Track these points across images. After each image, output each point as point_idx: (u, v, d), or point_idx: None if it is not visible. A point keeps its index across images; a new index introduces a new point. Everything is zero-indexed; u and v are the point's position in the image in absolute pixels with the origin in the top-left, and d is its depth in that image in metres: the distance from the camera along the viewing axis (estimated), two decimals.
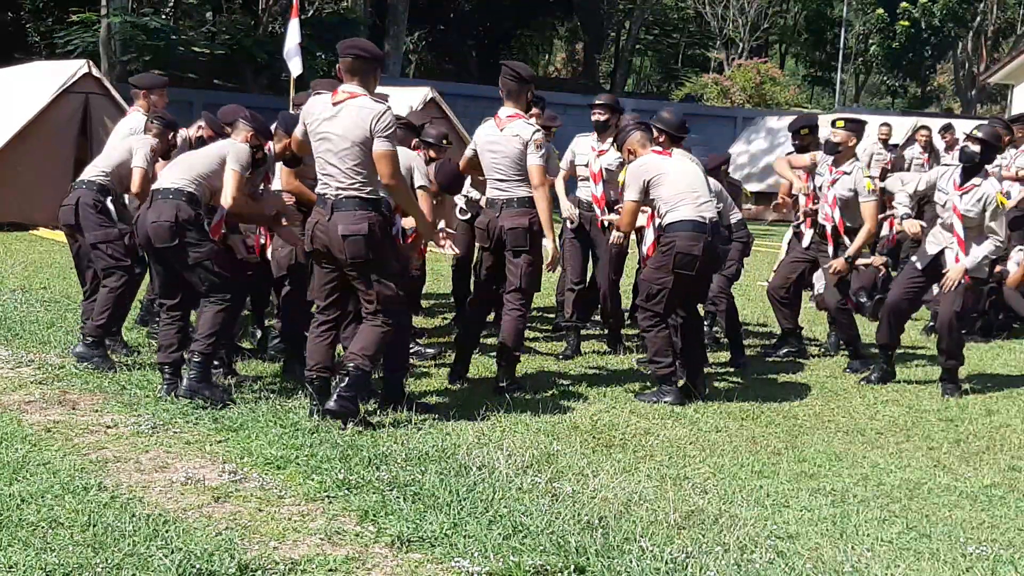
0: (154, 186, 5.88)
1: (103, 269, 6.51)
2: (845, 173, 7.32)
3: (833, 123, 7.52)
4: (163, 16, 22.80)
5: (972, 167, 6.78)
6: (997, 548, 4.01)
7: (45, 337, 7.05)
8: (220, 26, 24.28)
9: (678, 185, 6.24)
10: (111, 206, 6.62)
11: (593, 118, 7.60)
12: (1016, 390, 7.00)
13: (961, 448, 5.53)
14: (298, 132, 5.45)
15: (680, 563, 3.64)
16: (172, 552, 3.52)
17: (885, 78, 38.55)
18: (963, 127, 11.51)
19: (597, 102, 7.72)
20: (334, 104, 5.24)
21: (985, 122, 7.56)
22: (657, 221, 6.45)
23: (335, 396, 5.21)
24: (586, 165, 7.57)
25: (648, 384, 6.54)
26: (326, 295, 5.42)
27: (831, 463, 5.11)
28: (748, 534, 3.98)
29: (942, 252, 6.83)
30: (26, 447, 4.69)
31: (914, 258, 7.12)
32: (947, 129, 13.28)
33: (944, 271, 6.77)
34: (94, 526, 3.74)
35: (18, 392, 5.73)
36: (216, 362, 5.96)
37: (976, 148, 6.80)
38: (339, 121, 5.21)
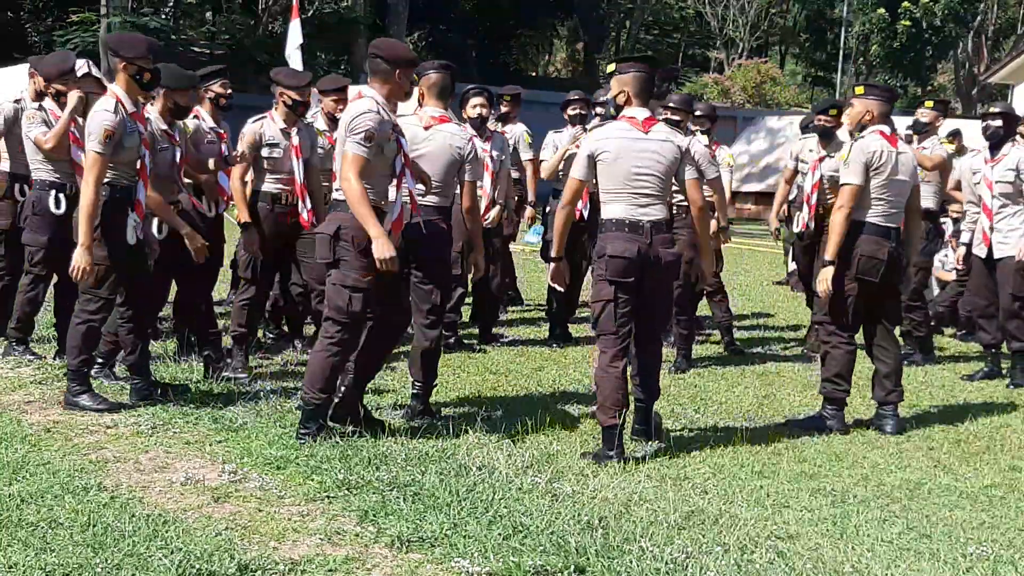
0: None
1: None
2: (923, 149, 7.74)
3: (922, 103, 7.99)
4: (163, 16, 22.81)
5: (999, 141, 7.20)
6: (997, 548, 4.01)
7: (45, 337, 7.05)
8: (220, 26, 24.28)
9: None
10: None
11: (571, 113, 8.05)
12: (1016, 390, 7.00)
13: (961, 448, 5.53)
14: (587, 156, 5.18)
15: (680, 563, 3.64)
16: (172, 552, 3.52)
17: (886, 78, 38.55)
18: (970, 131, 11.44)
19: (573, 98, 8.10)
20: (646, 132, 5.09)
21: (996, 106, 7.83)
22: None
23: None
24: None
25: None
26: (625, 325, 5.06)
27: (831, 463, 5.11)
28: (748, 534, 3.98)
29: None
30: (26, 447, 4.70)
31: (974, 253, 7.35)
32: (955, 135, 13.08)
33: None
34: (94, 526, 3.74)
35: (18, 392, 5.73)
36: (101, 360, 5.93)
37: (997, 122, 7.25)
38: (656, 149, 5.08)
